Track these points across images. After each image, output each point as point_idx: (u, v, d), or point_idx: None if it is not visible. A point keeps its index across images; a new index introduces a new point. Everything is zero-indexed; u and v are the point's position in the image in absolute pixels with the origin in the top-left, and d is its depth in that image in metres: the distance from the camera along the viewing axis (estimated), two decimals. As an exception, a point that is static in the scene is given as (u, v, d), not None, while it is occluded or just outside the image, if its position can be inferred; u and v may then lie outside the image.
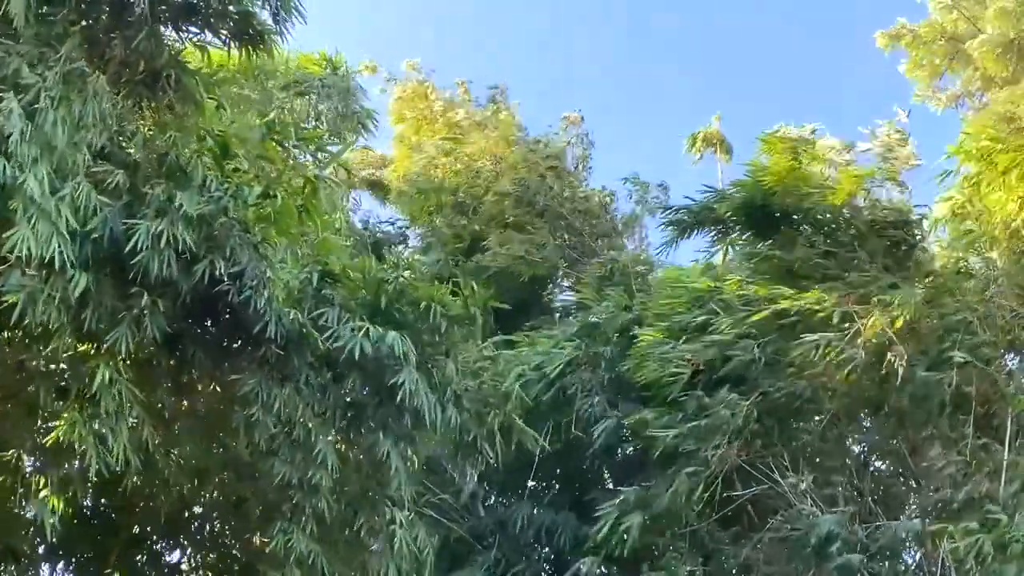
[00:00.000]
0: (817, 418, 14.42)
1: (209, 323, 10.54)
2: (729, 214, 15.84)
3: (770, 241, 15.53)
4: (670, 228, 16.97)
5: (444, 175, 24.30)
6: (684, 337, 15.00)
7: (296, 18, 10.80)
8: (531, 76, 38.63)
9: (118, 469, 9.49)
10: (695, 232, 16.82)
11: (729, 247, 16.72)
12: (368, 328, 10.42)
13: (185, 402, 11.20)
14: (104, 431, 9.14)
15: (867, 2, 32.75)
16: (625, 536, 13.81)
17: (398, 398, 10.43)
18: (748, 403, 13.85)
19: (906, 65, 23.09)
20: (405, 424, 10.86)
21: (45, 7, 9.73)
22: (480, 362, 12.03)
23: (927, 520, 13.69)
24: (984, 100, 21.49)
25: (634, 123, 35.37)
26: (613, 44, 39.52)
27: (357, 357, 10.27)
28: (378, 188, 26.43)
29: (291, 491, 10.22)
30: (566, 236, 23.62)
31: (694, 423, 13.96)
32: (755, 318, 14.18)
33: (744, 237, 16.40)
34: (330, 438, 10.55)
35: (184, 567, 13.01)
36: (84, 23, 10.03)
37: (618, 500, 14.21)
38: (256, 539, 11.52)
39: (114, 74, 9.91)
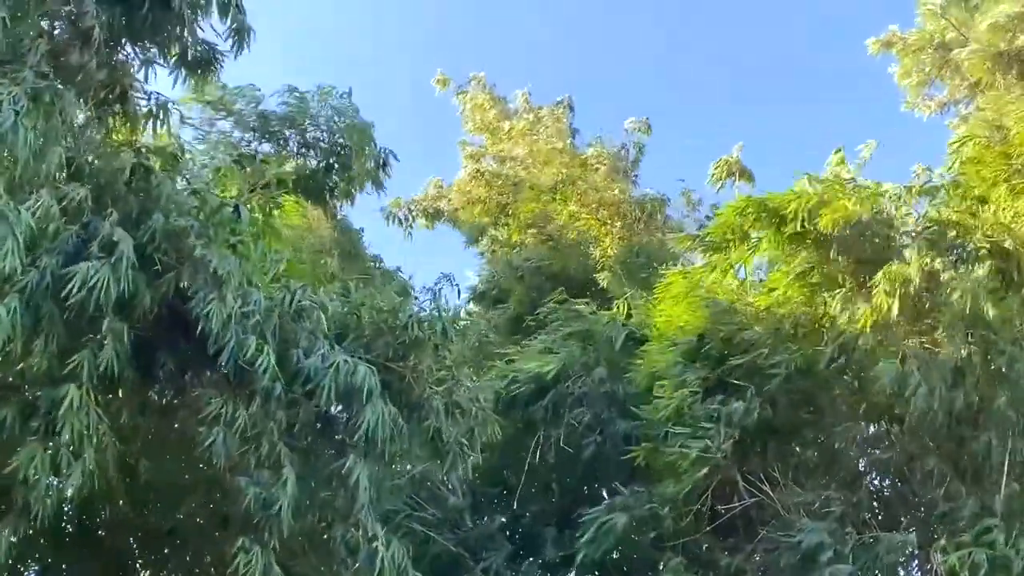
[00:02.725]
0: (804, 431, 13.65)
1: (175, 337, 10.19)
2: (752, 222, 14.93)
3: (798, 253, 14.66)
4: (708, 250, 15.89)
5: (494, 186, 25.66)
6: (699, 358, 14.31)
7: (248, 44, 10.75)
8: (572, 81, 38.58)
9: (85, 491, 9.29)
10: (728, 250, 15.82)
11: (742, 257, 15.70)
12: (338, 363, 10.16)
13: (154, 418, 10.99)
14: (61, 460, 8.82)
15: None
16: (609, 535, 13.36)
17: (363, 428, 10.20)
18: (759, 400, 13.35)
19: (897, 72, 22.48)
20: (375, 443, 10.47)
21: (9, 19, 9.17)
22: (443, 371, 11.69)
23: (921, 533, 13.13)
24: (970, 108, 20.92)
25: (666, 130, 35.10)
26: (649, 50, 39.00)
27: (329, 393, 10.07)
28: (437, 216, 27.42)
29: (253, 511, 9.87)
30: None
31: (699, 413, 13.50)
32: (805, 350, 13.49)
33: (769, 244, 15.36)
34: (296, 455, 10.26)
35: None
36: (49, 36, 9.46)
37: (604, 505, 13.89)
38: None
39: (78, 87, 9.33)
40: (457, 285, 19.96)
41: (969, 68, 19.94)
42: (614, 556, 14.49)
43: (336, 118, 17.65)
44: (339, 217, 20.48)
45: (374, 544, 10.50)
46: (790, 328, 14.15)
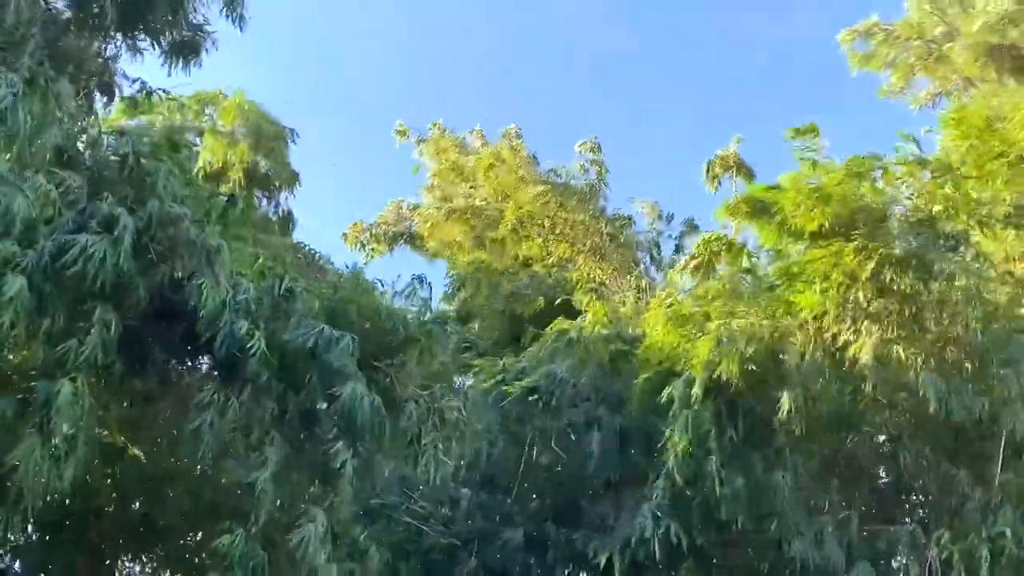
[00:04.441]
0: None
1: (167, 325, 10.40)
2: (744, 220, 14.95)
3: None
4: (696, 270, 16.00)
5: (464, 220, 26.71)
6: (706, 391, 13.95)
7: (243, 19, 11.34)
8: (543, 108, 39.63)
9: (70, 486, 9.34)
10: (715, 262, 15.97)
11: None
12: (324, 328, 10.42)
13: (143, 408, 11.20)
14: (59, 452, 9.00)
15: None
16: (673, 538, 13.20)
17: (344, 408, 10.40)
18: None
19: (860, 59, 22.39)
20: (357, 432, 10.71)
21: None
22: (427, 379, 11.94)
23: (922, 526, 13.47)
24: (963, 100, 21.04)
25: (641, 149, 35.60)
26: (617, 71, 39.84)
27: (313, 354, 10.28)
28: (413, 240, 28.36)
29: (239, 493, 10.21)
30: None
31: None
32: None
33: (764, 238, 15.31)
34: (283, 445, 10.40)
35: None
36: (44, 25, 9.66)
37: (645, 510, 13.60)
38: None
39: (71, 76, 9.49)
40: (430, 284, 20.44)
41: (961, 60, 20.05)
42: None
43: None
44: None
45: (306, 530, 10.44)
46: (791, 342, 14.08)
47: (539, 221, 25.81)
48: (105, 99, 10.62)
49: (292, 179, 21.17)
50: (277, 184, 20.82)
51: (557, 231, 25.77)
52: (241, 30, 11.11)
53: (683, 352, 14.49)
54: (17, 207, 8.23)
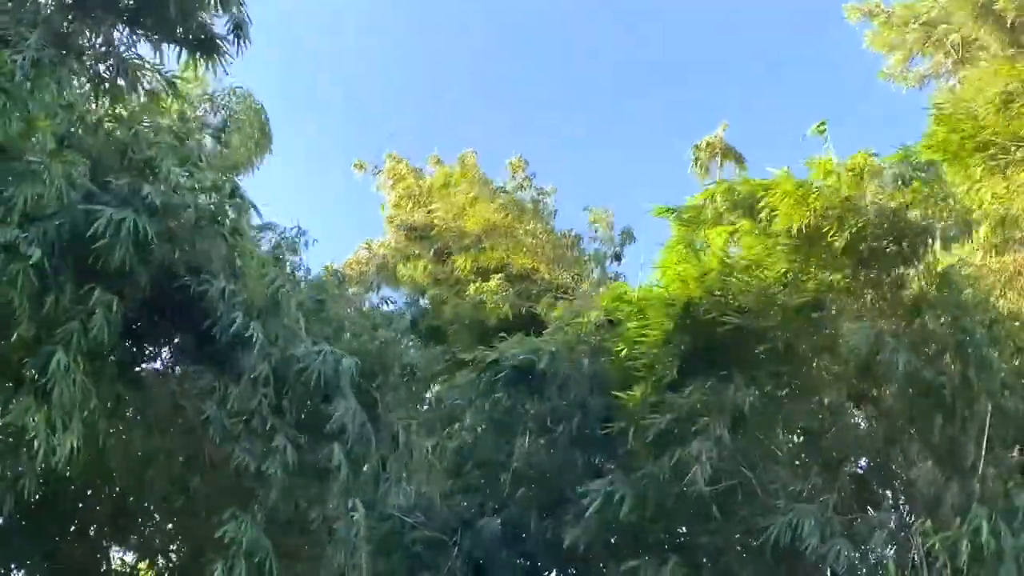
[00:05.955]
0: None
1: (167, 315, 10.85)
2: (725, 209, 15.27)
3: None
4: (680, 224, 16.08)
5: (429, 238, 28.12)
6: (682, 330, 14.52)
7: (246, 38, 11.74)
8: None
9: (66, 462, 9.59)
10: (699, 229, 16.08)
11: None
12: (326, 352, 10.94)
13: (140, 395, 11.43)
14: (56, 419, 9.27)
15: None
16: (620, 504, 13.38)
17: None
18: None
19: (871, 38, 22.93)
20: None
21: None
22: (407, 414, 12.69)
23: (901, 516, 13.89)
24: (952, 82, 21.60)
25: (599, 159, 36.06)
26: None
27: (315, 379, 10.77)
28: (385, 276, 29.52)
29: (245, 480, 10.52)
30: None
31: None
32: None
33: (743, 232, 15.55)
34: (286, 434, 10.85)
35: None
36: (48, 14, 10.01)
37: (606, 479, 13.98)
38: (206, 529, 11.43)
39: (76, 64, 9.87)
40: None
41: (952, 22, 20.31)
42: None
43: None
44: None
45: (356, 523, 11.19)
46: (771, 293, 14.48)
47: (500, 234, 27.15)
48: (110, 86, 10.87)
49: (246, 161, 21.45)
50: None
51: (518, 243, 27.08)
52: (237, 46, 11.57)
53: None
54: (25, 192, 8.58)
